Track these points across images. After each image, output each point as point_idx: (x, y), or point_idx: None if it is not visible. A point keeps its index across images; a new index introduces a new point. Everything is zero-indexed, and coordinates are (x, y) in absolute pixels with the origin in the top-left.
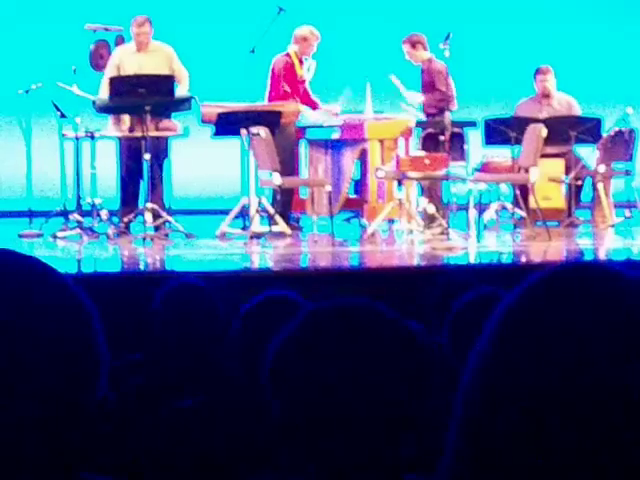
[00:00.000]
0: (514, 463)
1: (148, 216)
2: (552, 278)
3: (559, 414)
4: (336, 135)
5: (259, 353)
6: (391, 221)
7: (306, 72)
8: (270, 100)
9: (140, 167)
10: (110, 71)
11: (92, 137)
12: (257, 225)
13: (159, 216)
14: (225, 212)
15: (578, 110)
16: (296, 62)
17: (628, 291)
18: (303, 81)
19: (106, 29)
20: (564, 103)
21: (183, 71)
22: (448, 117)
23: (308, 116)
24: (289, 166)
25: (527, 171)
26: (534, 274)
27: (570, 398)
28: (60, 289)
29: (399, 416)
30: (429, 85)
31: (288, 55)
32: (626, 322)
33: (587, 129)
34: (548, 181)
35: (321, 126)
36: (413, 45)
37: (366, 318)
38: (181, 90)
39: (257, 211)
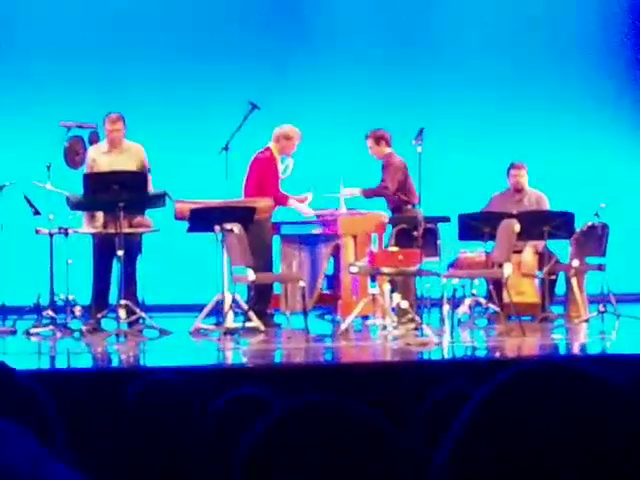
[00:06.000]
0: None
1: (122, 312)
2: (518, 377)
3: None
4: (316, 230)
5: (229, 450)
6: (365, 317)
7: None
8: (253, 196)
9: (113, 264)
10: (86, 171)
11: (66, 234)
12: (231, 321)
13: (133, 312)
14: (199, 307)
15: (547, 206)
16: (278, 158)
17: (592, 390)
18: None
19: (80, 126)
20: (533, 200)
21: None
22: (420, 213)
23: (296, 207)
24: (266, 262)
25: (501, 266)
26: (502, 373)
27: None
28: (22, 393)
29: None
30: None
31: (270, 151)
32: (589, 421)
33: (560, 224)
34: (522, 276)
35: (296, 222)
36: (377, 141)
37: (340, 417)
38: None
39: (231, 307)
